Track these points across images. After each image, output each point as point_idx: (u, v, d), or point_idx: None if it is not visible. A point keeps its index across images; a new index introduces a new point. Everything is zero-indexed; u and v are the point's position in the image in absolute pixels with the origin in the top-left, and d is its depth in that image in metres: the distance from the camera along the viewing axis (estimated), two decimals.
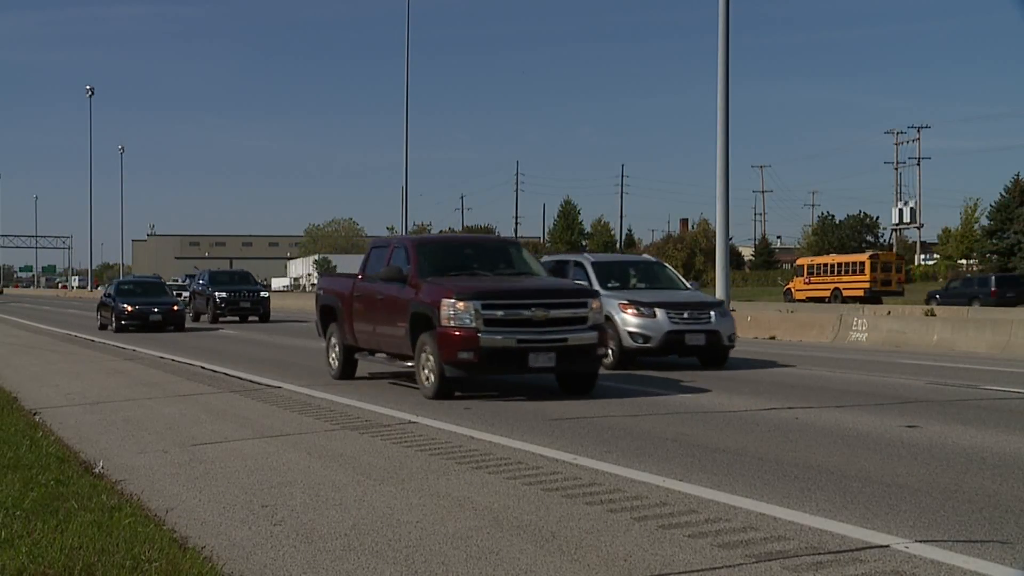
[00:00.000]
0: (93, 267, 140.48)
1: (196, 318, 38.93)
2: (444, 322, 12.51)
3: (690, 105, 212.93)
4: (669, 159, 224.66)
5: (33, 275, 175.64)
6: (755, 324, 28.89)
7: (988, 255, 66.96)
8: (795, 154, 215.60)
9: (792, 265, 77.77)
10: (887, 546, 5.86)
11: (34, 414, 12.26)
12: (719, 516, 6.59)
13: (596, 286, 17.23)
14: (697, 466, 8.35)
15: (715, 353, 17.65)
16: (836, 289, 58.34)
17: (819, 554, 5.72)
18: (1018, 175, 66.67)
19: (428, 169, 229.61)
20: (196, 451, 9.59)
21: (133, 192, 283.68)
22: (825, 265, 63.10)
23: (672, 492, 7.31)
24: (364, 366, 15.95)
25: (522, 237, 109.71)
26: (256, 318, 38.83)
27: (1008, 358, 20.84)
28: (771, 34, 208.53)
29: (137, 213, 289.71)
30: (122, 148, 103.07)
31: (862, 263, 60.05)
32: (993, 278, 51.63)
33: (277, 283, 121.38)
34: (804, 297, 58.97)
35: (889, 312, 35.77)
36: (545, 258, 20.37)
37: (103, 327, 32.66)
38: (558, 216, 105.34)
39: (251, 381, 15.45)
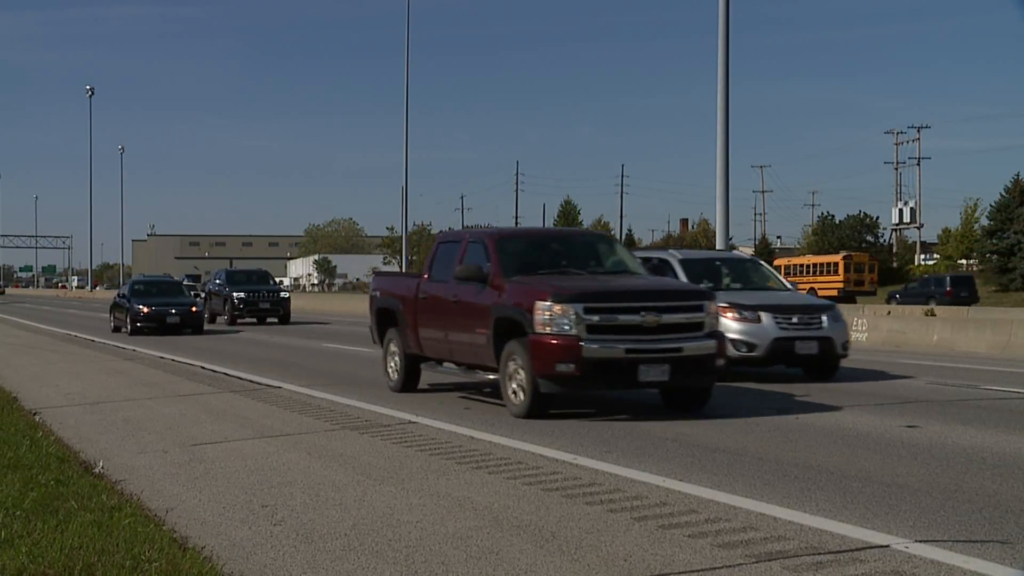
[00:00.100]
0: (93, 267, 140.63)
1: (212, 319, 36.54)
2: (538, 328, 10.78)
3: (690, 105, 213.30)
4: (669, 159, 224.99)
5: (33, 275, 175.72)
6: None
7: (988, 255, 66.87)
8: (795, 154, 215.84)
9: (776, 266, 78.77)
10: (887, 546, 5.86)
11: (34, 414, 12.27)
12: (719, 516, 6.59)
13: None
14: (697, 466, 8.35)
15: (826, 363, 15.72)
16: (812, 289, 59.11)
17: (819, 554, 5.72)
18: (1018, 175, 66.53)
19: (428, 169, 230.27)
20: (196, 451, 9.60)
21: (133, 192, 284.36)
22: (802, 265, 66.43)
23: (672, 492, 7.31)
24: (427, 376, 14.21)
25: None
26: (276, 320, 36.53)
27: (1008, 358, 20.85)
28: (771, 34, 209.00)
29: (137, 213, 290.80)
30: (122, 148, 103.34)
31: (836, 264, 63.91)
32: (948, 278, 55.06)
33: None
34: None
35: (889, 312, 35.80)
36: None
37: (117, 329, 30.85)
38: (558, 216, 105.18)
39: (251, 381, 15.46)
